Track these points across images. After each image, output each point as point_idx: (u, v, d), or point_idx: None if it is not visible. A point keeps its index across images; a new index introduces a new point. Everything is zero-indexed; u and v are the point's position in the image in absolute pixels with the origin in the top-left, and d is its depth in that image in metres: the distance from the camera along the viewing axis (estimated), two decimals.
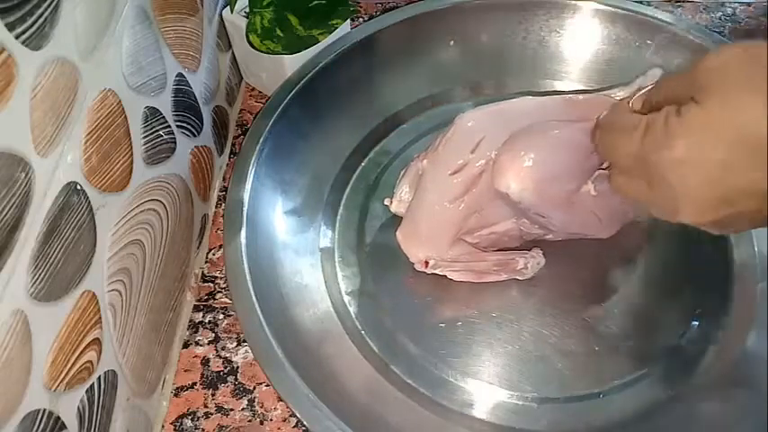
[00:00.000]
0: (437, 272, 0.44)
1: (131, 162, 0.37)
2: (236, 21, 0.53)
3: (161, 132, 0.41)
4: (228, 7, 0.53)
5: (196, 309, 0.47)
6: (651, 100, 0.35)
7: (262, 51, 0.50)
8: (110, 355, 0.35)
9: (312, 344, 0.42)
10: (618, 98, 0.40)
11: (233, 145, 0.56)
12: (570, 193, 0.41)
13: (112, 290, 0.35)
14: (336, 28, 0.51)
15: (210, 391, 0.43)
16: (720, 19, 0.63)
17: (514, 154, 0.39)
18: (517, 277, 0.45)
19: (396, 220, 0.47)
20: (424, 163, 0.43)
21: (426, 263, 0.44)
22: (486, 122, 0.41)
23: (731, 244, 0.46)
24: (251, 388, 0.43)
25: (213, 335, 0.46)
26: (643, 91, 0.37)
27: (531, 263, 0.44)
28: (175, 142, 0.43)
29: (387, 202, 0.46)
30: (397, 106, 0.55)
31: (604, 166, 0.43)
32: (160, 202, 0.41)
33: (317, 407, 0.36)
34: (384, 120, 0.54)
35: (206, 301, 0.47)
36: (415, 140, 0.54)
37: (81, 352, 0.32)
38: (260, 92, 0.60)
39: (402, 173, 0.46)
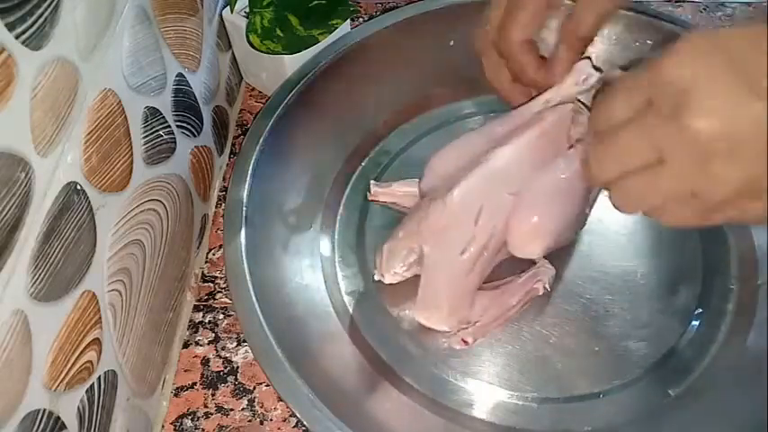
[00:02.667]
0: (479, 339, 0.43)
1: (131, 162, 0.37)
2: (236, 21, 0.53)
3: (161, 132, 0.41)
4: (228, 7, 0.53)
5: (196, 309, 0.47)
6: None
7: (262, 51, 0.50)
8: (110, 355, 0.35)
9: (312, 344, 0.42)
10: (574, 102, 0.41)
11: (233, 145, 0.56)
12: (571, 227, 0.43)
13: (112, 290, 0.35)
14: (336, 28, 0.52)
15: (210, 391, 0.43)
16: (720, 19, 0.63)
17: (531, 225, 0.40)
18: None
19: (396, 221, 0.47)
20: (426, 249, 0.41)
21: (465, 341, 0.43)
22: (478, 191, 0.40)
23: (731, 244, 0.47)
24: (251, 388, 0.43)
25: (213, 335, 0.46)
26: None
27: (547, 280, 0.44)
28: (175, 142, 0.43)
29: (377, 276, 0.45)
30: (397, 106, 0.55)
31: None
32: (160, 202, 0.41)
33: (316, 407, 0.36)
34: (384, 120, 0.54)
35: (206, 301, 0.47)
36: (415, 140, 0.54)
37: (81, 352, 0.32)
38: (260, 92, 0.60)
39: (385, 249, 0.44)
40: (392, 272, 0.44)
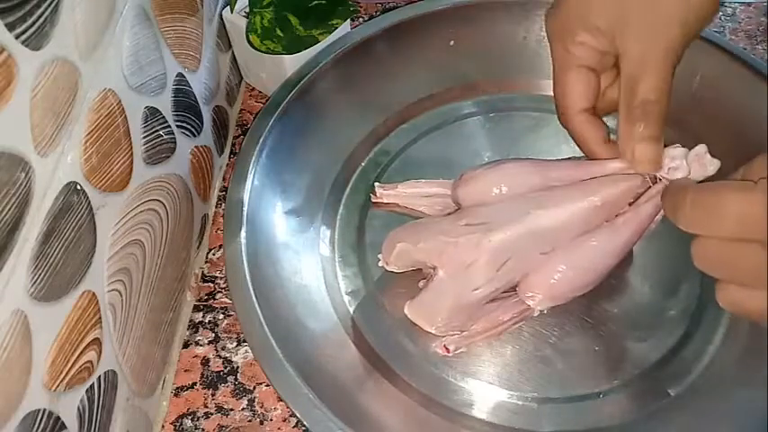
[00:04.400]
0: (463, 350, 0.43)
1: (131, 162, 0.37)
2: (236, 21, 0.53)
3: (161, 132, 0.41)
4: (228, 7, 0.53)
5: (196, 309, 0.47)
6: None
7: (262, 51, 0.50)
8: (110, 355, 0.35)
9: (312, 343, 0.42)
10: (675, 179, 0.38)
11: (233, 145, 0.56)
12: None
13: (112, 290, 0.35)
14: (336, 28, 0.52)
15: (210, 391, 0.43)
16: (720, 19, 0.63)
17: (549, 286, 0.40)
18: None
19: (396, 221, 0.47)
20: (441, 273, 0.41)
21: (447, 349, 0.43)
22: (514, 245, 0.40)
23: None
24: (251, 388, 0.43)
25: (213, 335, 0.46)
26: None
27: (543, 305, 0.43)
28: (175, 142, 0.43)
29: (381, 263, 0.45)
30: (397, 106, 0.55)
31: None
32: (160, 202, 0.41)
33: (317, 407, 0.36)
34: (384, 120, 0.54)
35: (206, 301, 0.47)
36: (415, 140, 0.54)
37: (81, 352, 0.32)
38: (260, 92, 0.60)
39: (398, 247, 0.43)
40: (394, 264, 0.44)
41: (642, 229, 0.40)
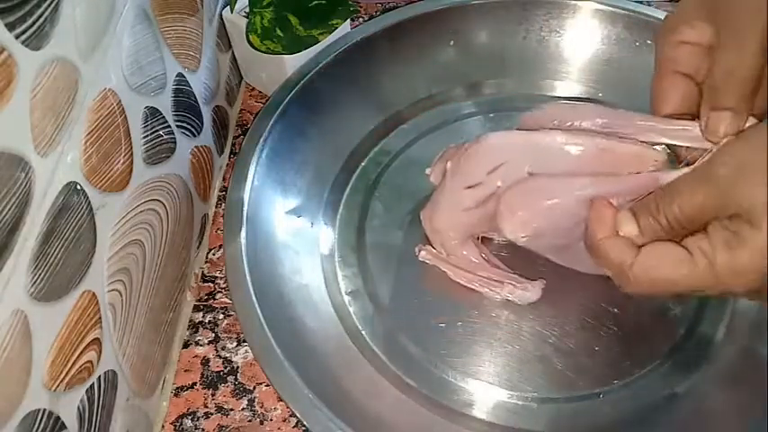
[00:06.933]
0: (427, 262, 0.46)
1: (131, 162, 0.37)
2: (236, 21, 0.53)
3: (161, 132, 0.41)
4: (228, 7, 0.53)
5: (196, 309, 0.47)
6: (665, 219, 0.32)
7: (262, 51, 0.50)
8: (110, 355, 0.35)
9: (312, 344, 0.42)
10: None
11: (233, 145, 0.56)
12: (566, 246, 0.41)
13: (112, 290, 0.35)
14: (336, 28, 0.52)
15: (210, 391, 0.43)
16: None
17: (520, 205, 0.39)
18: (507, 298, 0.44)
19: (396, 221, 0.47)
20: (448, 166, 0.43)
21: (420, 251, 0.46)
22: (512, 150, 0.40)
23: None
24: (251, 388, 0.43)
25: (213, 335, 0.46)
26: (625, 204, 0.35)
27: (518, 294, 0.44)
28: (175, 142, 0.44)
29: (428, 171, 0.47)
30: (397, 106, 0.55)
31: None
32: (160, 202, 0.41)
33: (317, 407, 0.36)
34: (384, 120, 0.54)
35: (206, 301, 0.47)
36: (415, 140, 0.54)
37: (81, 352, 0.32)
38: (260, 92, 0.60)
39: (440, 153, 0.47)
40: (435, 173, 0.46)
41: (635, 193, 0.36)
